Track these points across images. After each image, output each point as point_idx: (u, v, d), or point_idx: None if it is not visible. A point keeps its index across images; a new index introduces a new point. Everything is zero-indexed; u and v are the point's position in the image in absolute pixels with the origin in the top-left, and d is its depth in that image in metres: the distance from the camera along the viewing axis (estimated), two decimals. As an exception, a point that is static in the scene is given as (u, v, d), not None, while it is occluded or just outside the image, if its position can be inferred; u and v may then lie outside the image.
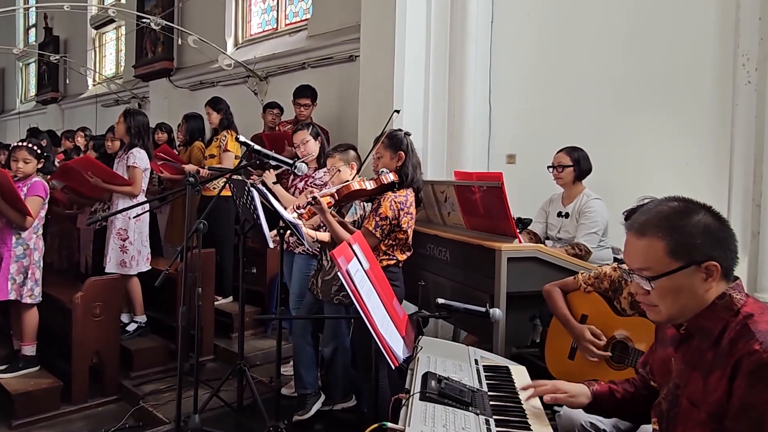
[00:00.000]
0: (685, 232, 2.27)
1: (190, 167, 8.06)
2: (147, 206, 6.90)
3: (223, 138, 8.01)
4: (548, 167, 5.69)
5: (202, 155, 8.40)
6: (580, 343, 3.98)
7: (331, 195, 4.61)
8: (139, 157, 6.90)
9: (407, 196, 4.75)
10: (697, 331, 2.37)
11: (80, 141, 11.15)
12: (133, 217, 6.75)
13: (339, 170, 5.28)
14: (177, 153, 8.77)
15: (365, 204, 5.15)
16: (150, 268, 7.00)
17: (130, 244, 6.86)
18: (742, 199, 5.49)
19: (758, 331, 2.18)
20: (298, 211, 4.75)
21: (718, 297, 2.31)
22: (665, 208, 2.34)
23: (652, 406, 2.59)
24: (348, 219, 5.12)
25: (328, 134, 7.67)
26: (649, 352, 2.84)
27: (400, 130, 5.00)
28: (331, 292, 5.12)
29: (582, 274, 4.24)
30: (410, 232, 4.81)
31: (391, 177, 4.70)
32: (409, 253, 4.88)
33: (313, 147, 6.16)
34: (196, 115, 8.87)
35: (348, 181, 4.88)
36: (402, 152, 4.81)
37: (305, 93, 8.37)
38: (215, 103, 8.20)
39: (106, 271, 6.76)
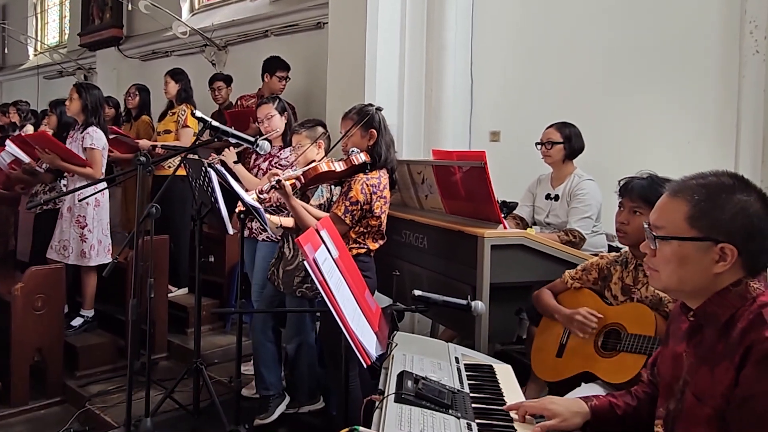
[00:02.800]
0: (716, 205, 2.26)
1: (144, 143, 8.00)
2: (98, 188, 6.76)
3: (182, 112, 7.97)
4: (536, 144, 5.66)
5: (151, 131, 8.34)
6: (573, 320, 3.95)
7: (297, 178, 4.53)
8: (97, 137, 6.83)
9: (380, 178, 4.66)
10: (704, 317, 2.36)
11: (14, 117, 11.03)
12: (81, 200, 6.64)
13: (305, 148, 5.24)
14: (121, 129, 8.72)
15: (332, 187, 5.10)
16: (111, 260, 6.88)
17: (89, 233, 6.79)
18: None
19: None
20: (262, 196, 4.71)
21: (733, 283, 2.29)
22: (713, 179, 2.34)
23: (656, 409, 2.58)
24: (314, 203, 5.09)
25: (295, 109, 7.63)
26: (658, 352, 2.82)
27: (371, 104, 4.89)
28: (294, 284, 5.10)
29: (568, 271, 4.24)
30: (384, 218, 4.74)
31: (363, 157, 4.61)
32: (382, 242, 4.81)
33: (279, 123, 6.10)
34: (146, 87, 8.82)
35: (315, 161, 4.84)
36: (374, 130, 4.72)
37: (284, 65, 8.37)
38: (175, 73, 8.17)
39: (68, 263, 6.69)
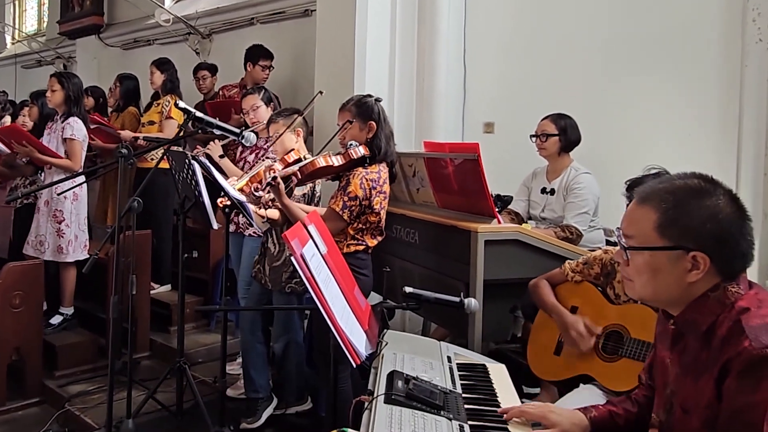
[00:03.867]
0: (685, 212, 2.25)
1: (126, 134, 7.98)
2: (77, 181, 6.73)
3: (166, 103, 7.97)
4: (531, 136, 5.65)
5: (137, 122, 8.32)
6: (569, 334, 3.93)
7: (293, 174, 4.51)
8: (77, 128, 6.83)
9: (380, 172, 4.62)
10: (684, 325, 2.37)
11: None
12: (59, 194, 6.63)
13: (282, 137, 5.23)
14: (108, 120, 8.69)
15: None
16: (88, 256, 6.88)
17: (67, 227, 6.78)
18: (752, 173, 5.49)
19: (749, 326, 2.17)
20: (257, 194, 4.66)
21: (710, 289, 2.30)
22: (680, 183, 2.33)
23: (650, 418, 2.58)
24: (298, 193, 5.08)
25: (279, 100, 7.62)
26: (652, 355, 2.81)
27: (370, 95, 4.87)
28: (282, 280, 5.09)
29: (569, 262, 4.21)
30: (383, 214, 4.72)
31: (362, 151, 4.57)
32: (381, 238, 4.79)
33: (265, 114, 6.09)
34: (132, 76, 8.79)
35: (294, 150, 4.83)
36: (373, 122, 4.68)
37: (268, 53, 8.34)
38: (161, 63, 8.16)
39: (45, 259, 6.65)
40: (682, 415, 2.33)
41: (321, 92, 5.63)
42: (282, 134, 5.31)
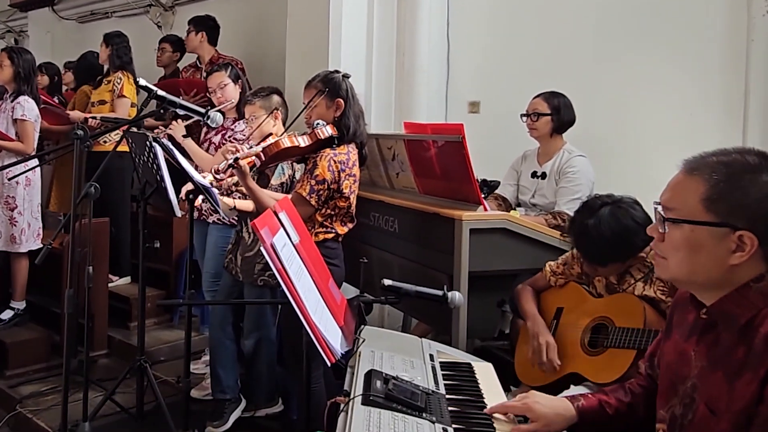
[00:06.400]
0: (738, 186, 2.19)
1: (76, 114, 7.93)
2: (29, 165, 6.67)
3: (118, 81, 7.86)
4: (521, 116, 5.63)
5: (88, 101, 8.29)
6: (533, 341, 4.03)
7: (256, 155, 4.49)
8: (28, 108, 6.81)
9: (349, 153, 4.61)
10: (720, 316, 2.31)
11: None
12: (10, 179, 6.59)
13: (259, 120, 5.22)
14: (63, 100, 8.63)
15: (295, 163, 5.07)
16: (41, 246, 6.84)
17: (19, 215, 6.76)
18: (759, 154, 5.48)
19: None
20: (218, 176, 4.65)
21: (754, 279, 2.24)
22: (737, 156, 2.27)
23: (656, 407, 2.56)
24: (274, 182, 5.07)
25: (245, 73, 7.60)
26: (656, 343, 2.81)
27: (338, 71, 4.86)
28: (254, 272, 5.09)
29: (549, 264, 4.26)
30: (353, 199, 4.71)
31: (329, 130, 4.55)
32: (351, 225, 4.79)
33: (233, 92, 6.09)
34: (95, 53, 8.76)
35: (277, 137, 4.80)
36: (341, 99, 4.65)
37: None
38: (109, 36, 8.06)
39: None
40: (707, 415, 2.28)
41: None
42: (261, 119, 5.31)
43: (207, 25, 8.24)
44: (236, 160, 4.34)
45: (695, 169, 2.28)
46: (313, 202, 4.48)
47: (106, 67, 8.21)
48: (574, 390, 3.72)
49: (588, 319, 3.91)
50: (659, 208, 2.35)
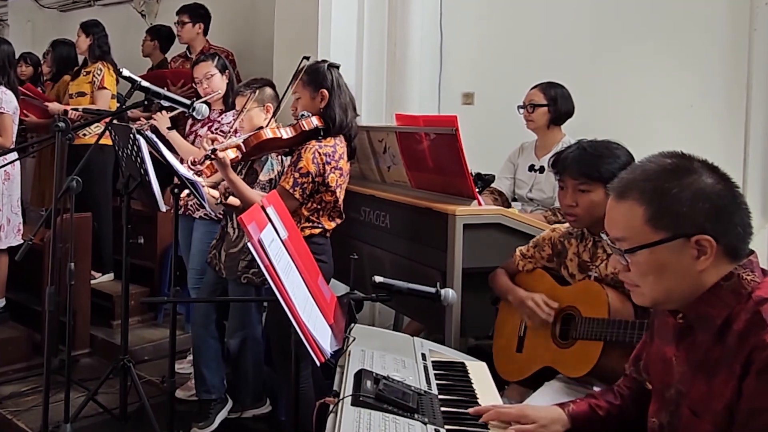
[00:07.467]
0: (670, 197, 2.24)
1: (55, 106, 7.90)
2: (8, 159, 6.64)
3: (98, 72, 7.85)
4: (518, 107, 5.64)
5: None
6: (526, 306, 3.95)
7: (237, 146, 4.48)
8: (6, 100, 6.76)
9: (335, 146, 4.61)
10: (697, 320, 2.35)
11: None
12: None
13: (250, 112, 5.20)
14: (42, 91, 8.61)
15: (284, 158, 5.07)
16: (21, 242, 6.83)
17: (-2, 210, 6.73)
18: (762, 147, 5.50)
19: None
20: (195, 167, 4.64)
21: (723, 278, 2.28)
22: (653, 166, 2.33)
23: (647, 417, 2.58)
24: (263, 178, 5.06)
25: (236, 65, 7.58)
26: (642, 346, 2.83)
27: (324, 61, 4.87)
28: (239, 269, 5.07)
29: (520, 248, 4.22)
30: (340, 193, 4.70)
31: (315, 122, 4.55)
32: (339, 220, 4.79)
33: (220, 83, 6.08)
34: (66, 41, 8.72)
35: (260, 127, 4.79)
36: (325, 90, 4.66)
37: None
38: (87, 26, 8.03)
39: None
40: (691, 418, 2.32)
41: (307, 57, 5.60)
42: (250, 110, 5.29)
43: (203, 16, 8.21)
44: (214, 151, 4.34)
45: (624, 194, 2.34)
46: (297, 196, 4.48)
47: (82, 58, 8.18)
48: (546, 386, 3.76)
49: (557, 309, 3.90)
50: (611, 242, 2.39)
